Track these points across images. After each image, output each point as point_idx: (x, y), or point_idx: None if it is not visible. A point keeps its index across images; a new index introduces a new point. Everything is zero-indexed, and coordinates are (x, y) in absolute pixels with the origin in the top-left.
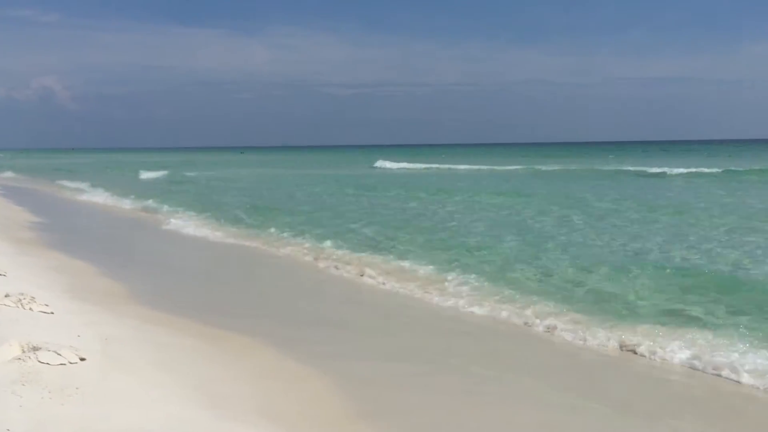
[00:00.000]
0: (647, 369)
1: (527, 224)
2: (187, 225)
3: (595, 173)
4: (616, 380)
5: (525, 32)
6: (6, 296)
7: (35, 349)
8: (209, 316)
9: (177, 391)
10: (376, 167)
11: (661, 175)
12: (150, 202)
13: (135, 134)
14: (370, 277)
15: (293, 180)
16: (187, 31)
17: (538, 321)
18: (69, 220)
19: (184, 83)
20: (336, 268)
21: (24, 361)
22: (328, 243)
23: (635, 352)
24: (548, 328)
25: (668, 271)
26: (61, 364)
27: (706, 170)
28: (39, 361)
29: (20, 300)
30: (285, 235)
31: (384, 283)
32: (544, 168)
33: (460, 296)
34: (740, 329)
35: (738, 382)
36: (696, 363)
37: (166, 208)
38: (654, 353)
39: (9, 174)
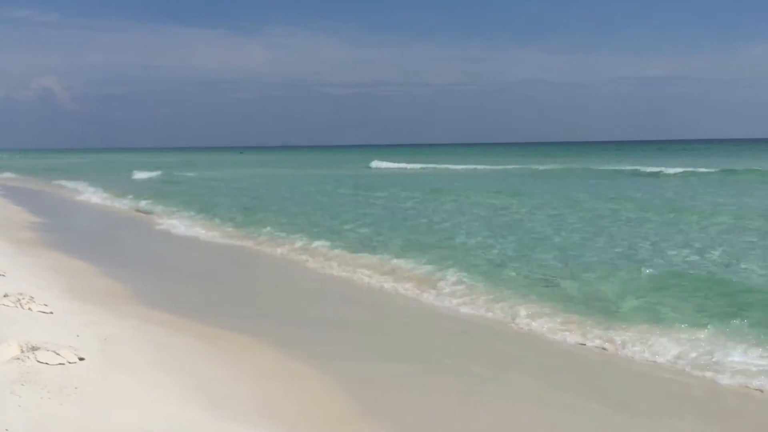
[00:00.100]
0: (644, 369)
1: (521, 224)
2: (181, 225)
3: (591, 173)
4: (612, 380)
5: (524, 32)
6: (5, 296)
7: (34, 348)
8: (208, 316)
9: (176, 391)
10: (371, 167)
11: (657, 175)
12: (145, 203)
13: (135, 134)
14: (367, 276)
15: (291, 180)
16: (186, 31)
17: (532, 321)
18: (67, 221)
19: (183, 83)
20: (332, 267)
21: (23, 361)
22: (323, 243)
23: (630, 352)
24: (543, 328)
25: (660, 270)
26: (60, 364)
27: (701, 170)
28: (38, 361)
29: (19, 300)
30: (281, 234)
31: (380, 283)
32: (540, 167)
33: (456, 296)
34: (735, 329)
35: (734, 381)
36: (692, 363)
37: (161, 208)
38: (650, 353)
39: (8, 174)
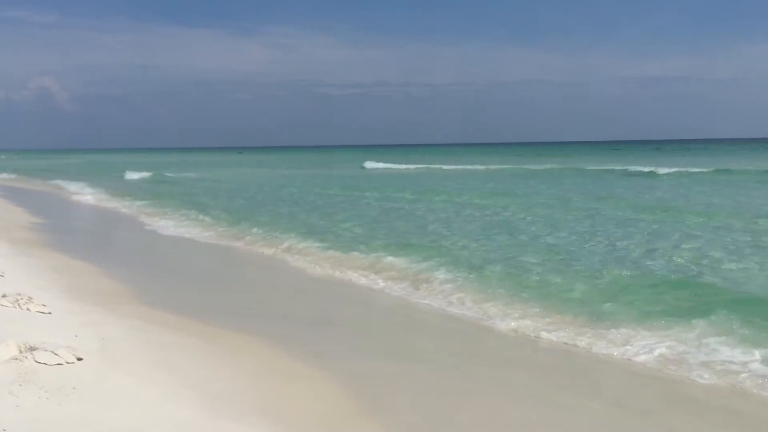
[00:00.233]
0: (637, 368)
1: (510, 223)
2: (177, 226)
3: (584, 173)
4: (607, 379)
5: (523, 31)
6: (3, 296)
7: (32, 349)
8: (206, 316)
9: (175, 391)
10: (366, 168)
11: (648, 175)
12: (142, 203)
13: (133, 135)
14: (360, 276)
15: (286, 180)
16: (184, 31)
17: (524, 321)
18: (65, 221)
19: (182, 84)
20: (325, 267)
21: (21, 361)
22: (316, 243)
23: (622, 352)
24: (534, 328)
25: (648, 270)
26: (58, 364)
27: (694, 170)
28: (36, 361)
29: (17, 300)
30: (274, 234)
31: (375, 283)
32: (533, 167)
33: (448, 296)
34: (725, 328)
35: (727, 380)
36: (685, 362)
37: (157, 209)
38: (643, 353)
39: (4, 175)
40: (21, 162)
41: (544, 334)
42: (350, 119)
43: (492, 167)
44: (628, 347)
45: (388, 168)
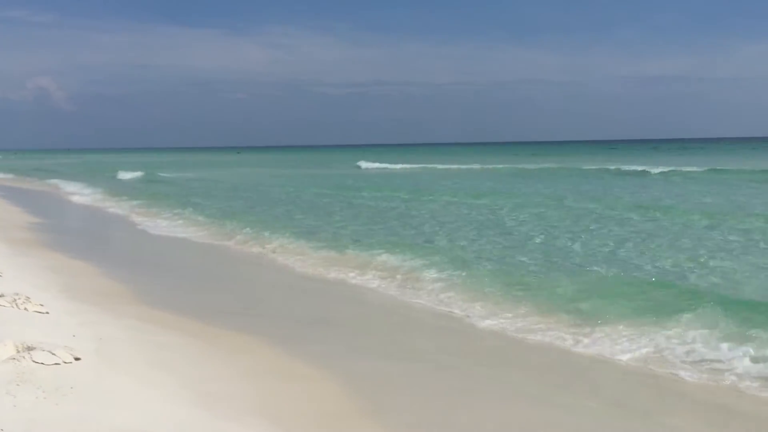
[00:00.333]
0: (632, 368)
1: (502, 223)
2: (172, 226)
3: (579, 172)
4: (604, 379)
5: (521, 31)
6: (1, 296)
7: (30, 348)
8: (204, 315)
9: (173, 390)
10: (360, 168)
11: (642, 174)
12: (138, 203)
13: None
14: (358, 275)
15: (286, 180)
16: (182, 31)
17: (518, 320)
18: (63, 221)
19: (180, 83)
20: (319, 267)
21: (18, 361)
22: (310, 243)
23: (616, 351)
24: (529, 328)
25: (640, 270)
26: (56, 364)
27: (687, 169)
28: (33, 361)
29: (15, 300)
30: (269, 234)
31: (371, 282)
32: (527, 167)
33: (443, 295)
34: (719, 328)
35: (728, 381)
36: (681, 361)
37: (153, 209)
38: (637, 352)
39: (0, 175)
40: (17, 162)
41: (538, 335)
42: (349, 119)
43: (488, 166)
44: (623, 346)
45: (384, 168)
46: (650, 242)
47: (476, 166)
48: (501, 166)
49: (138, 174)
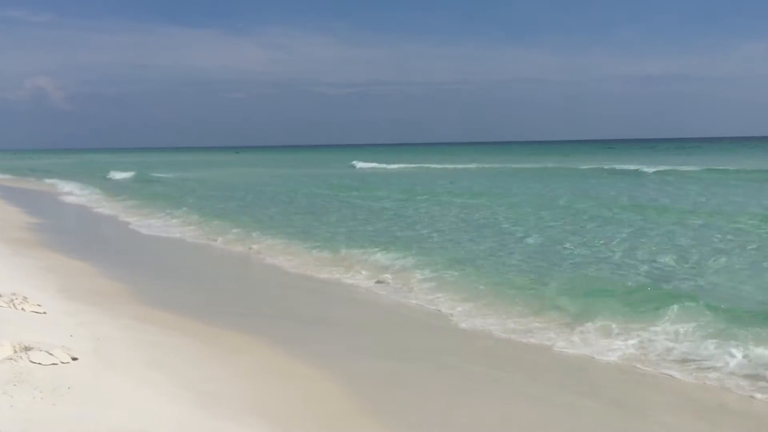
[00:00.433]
0: (629, 367)
1: (495, 223)
2: (168, 226)
3: (575, 172)
4: (607, 379)
5: (520, 30)
6: None
7: (27, 349)
8: (202, 315)
9: (171, 390)
10: (356, 167)
11: (636, 173)
12: (134, 203)
13: (130, 135)
14: (356, 272)
15: (284, 180)
16: (180, 31)
17: (514, 320)
18: (60, 221)
19: (178, 83)
20: (314, 267)
21: (15, 361)
22: (305, 243)
23: (612, 351)
24: (525, 328)
25: (631, 269)
26: (53, 364)
27: (683, 168)
28: (31, 361)
29: (12, 300)
30: (265, 235)
31: (368, 282)
32: (525, 166)
33: (446, 296)
34: (710, 326)
35: (718, 379)
36: (678, 361)
37: (149, 209)
38: (634, 352)
39: None
40: (11, 162)
41: (535, 333)
42: (348, 119)
43: (485, 166)
44: (616, 345)
45: (380, 167)
46: (643, 241)
47: (473, 166)
48: (497, 165)
49: (129, 174)
